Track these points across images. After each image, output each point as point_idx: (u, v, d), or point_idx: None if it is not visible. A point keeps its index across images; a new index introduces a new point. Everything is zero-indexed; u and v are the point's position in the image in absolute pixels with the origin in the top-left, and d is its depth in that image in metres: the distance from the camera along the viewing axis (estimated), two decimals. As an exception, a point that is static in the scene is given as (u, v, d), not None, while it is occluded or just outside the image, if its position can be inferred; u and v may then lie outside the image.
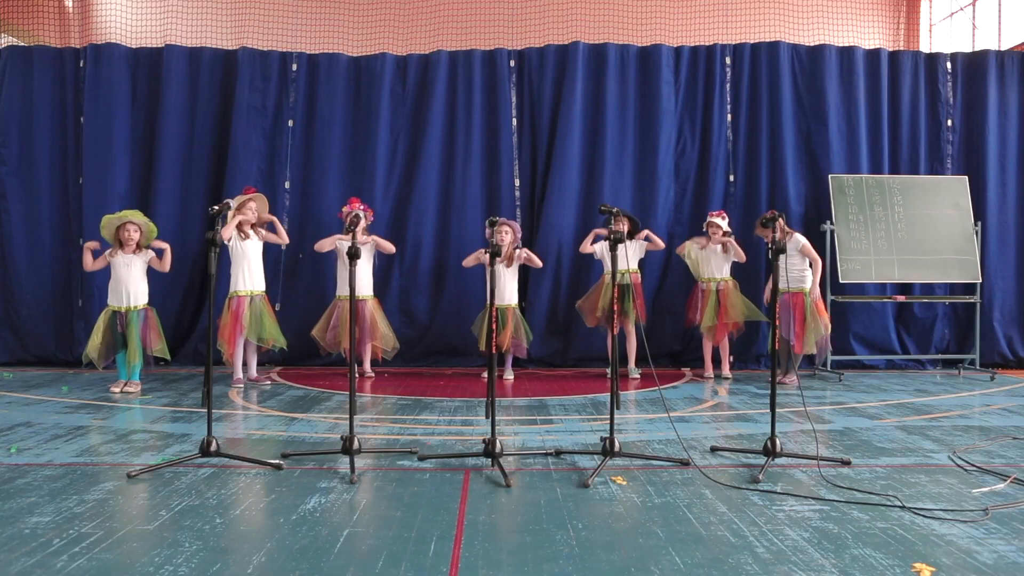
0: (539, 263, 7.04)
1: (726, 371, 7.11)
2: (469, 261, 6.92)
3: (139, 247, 6.15)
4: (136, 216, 6.19)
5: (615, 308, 4.02)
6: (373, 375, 7.03)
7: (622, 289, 6.81)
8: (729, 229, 7.07)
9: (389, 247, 7.02)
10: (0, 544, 2.62)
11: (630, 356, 7.08)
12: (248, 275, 6.40)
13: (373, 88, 7.77)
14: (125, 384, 6.03)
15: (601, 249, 7.01)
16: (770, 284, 6.70)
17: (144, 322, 6.04)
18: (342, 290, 6.82)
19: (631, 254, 6.98)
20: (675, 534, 2.77)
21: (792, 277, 6.60)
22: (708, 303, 6.94)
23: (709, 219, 7.08)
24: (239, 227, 6.39)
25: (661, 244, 7.18)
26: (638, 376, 7.03)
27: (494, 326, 4.02)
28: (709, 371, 7.12)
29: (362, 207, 6.84)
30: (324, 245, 6.86)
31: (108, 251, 6.18)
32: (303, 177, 7.78)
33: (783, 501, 3.19)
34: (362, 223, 6.70)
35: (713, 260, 7.02)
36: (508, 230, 6.87)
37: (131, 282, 6.05)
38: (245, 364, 6.50)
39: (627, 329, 7.06)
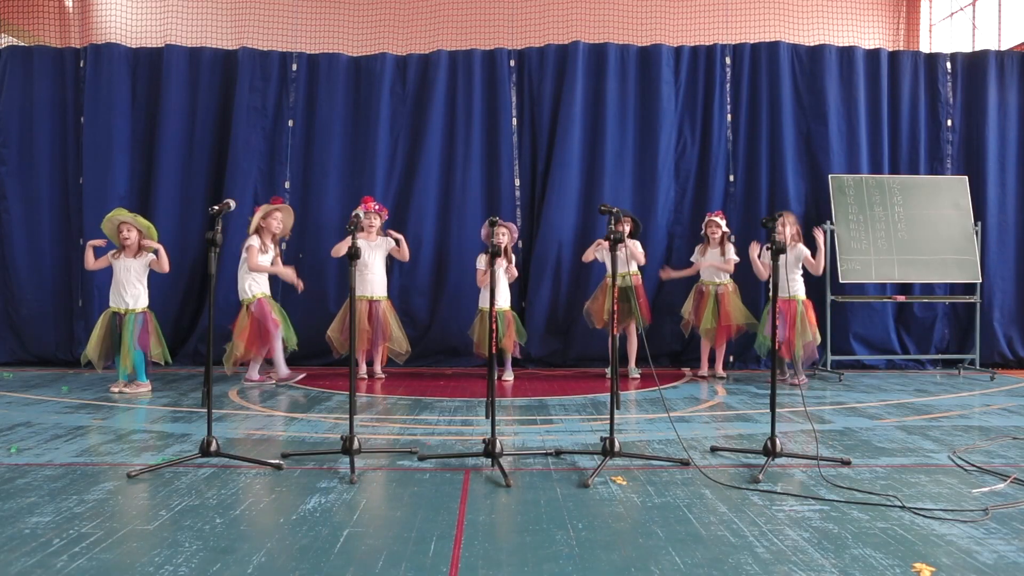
0: (515, 273, 6.96)
1: (719, 370, 7.13)
2: (482, 280, 6.71)
3: (140, 249, 6.14)
4: (123, 215, 6.15)
5: (615, 308, 4.02)
6: (384, 376, 6.97)
7: (625, 291, 6.80)
8: (728, 230, 7.08)
9: (405, 253, 6.93)
10: (0, 544, 2.62)
11: (630, 356, 7.08)
12: (264, 277, 6.57)
13: (373, 88, 7.76)
14: (125, 384, 6.03)
15: (602, 251, 6.97)
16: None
17: (141, 326, 6.03)
18: (360, 290, 6.72)
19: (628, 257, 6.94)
20: (675, 534, 2.77)
21: (785, 284, 6.59)
22: (707, 305, 6.94)
23: (708, 218, 7.09)
24: (260, 236, 6.49)
25: (642, 260, 6.99)
26: (638, 376, 7.03)
27: (495, 327, 4.02)
28: (704, 369, 7.13)
29: (377, 206, 6.82)
30: (340, 250, 6.67)
31: (111, 252, 6.18)
32: (303, 177, 7.77)
33: (783, 501, 3.19)
34: (370, 222, 6.70)
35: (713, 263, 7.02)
36: (505, 231, 6.85)
37: (129, 285, 6.05)
38: (248, 365, 6.52)
39: (628, 330, 7.06)
